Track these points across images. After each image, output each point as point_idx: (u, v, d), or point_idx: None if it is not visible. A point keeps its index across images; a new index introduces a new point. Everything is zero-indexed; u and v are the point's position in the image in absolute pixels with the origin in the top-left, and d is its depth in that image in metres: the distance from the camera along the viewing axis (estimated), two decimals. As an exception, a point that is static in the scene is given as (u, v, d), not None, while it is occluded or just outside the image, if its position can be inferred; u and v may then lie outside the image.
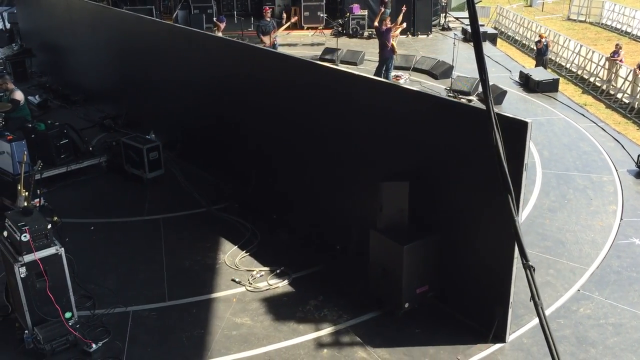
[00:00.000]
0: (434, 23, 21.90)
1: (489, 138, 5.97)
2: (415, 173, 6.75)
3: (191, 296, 7.32)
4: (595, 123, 13.12)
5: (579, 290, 7.27)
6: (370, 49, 18.44)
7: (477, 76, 14.13)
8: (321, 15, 20.56)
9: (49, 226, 6.36)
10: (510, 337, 6.46)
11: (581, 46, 20.42)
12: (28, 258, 6.19)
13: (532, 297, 3.83)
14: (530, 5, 35.94)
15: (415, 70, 17.05)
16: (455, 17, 24.14)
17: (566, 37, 22.21)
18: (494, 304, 6.40)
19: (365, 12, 20.77)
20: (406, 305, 6.75)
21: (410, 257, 6.52)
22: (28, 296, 6.28)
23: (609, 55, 18.46)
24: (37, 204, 8.81)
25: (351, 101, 7.62)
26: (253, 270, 7.78)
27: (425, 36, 20.94)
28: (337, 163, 8.06)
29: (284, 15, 19.60)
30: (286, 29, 16.76)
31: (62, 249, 6.43)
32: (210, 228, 8.88)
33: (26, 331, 6.39)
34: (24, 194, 8.70)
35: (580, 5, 31.01)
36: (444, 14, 23.16)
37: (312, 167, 8.51)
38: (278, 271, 7.75)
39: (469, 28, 17.44)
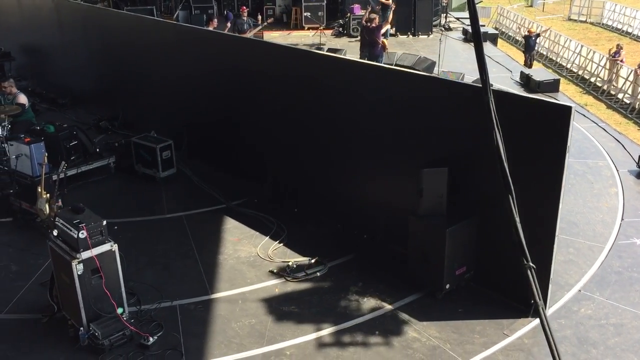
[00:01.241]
0: (434, 23, 21.95)
1: (526, 121, 6.40)
2: (452, 158, 7.07)
3: (233, 288, 7.47)
4: (596, 123, 13.36)
5: (579, 290, 7.29)
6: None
7: (463, 72, 14.76)
8: (308, 15, 20.58)
9: (104, 222, 6.43)
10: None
11: (582, 46, 20.48)
12: (85, 255, 6.25)
13: (533, 298, 3.86)
14: (531, 6, 36.14)
15: (397, 66, 17.39)
16: (456, 18, 24.19)
17: (567, 37, 22.26)
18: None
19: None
20: (447, 286, 7.07)
21: (452, 240, 6.84)
22: (84, 293, 6.33)
23: (609, 56, 18.53)
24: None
25: (377, 92, 7.90)
26: (288, 261, 7.97)
27: (426, 36, 21.01)
28: (362, 153, 8.32)
29: (259, 16, 19.77)
30: (285, 29, 16.84)
31: (116, 245, 6.52)
32: (235, 223, 9.02)
33: (81, 328, 6.43)
34: (44, 196, 8.69)
35: (581, 5, 31.10)
36: (444, 14, 23.25)
37: (336, 159, 8.74)
38: (313, 261, 7.97)
39: (469, 28, 17.57)
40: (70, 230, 6.29)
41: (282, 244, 8.42)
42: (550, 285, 6.75)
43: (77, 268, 6.23)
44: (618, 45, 18.93)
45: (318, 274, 7.74)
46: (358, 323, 6.81)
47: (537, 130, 6.28)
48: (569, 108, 5.95)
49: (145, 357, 6.31)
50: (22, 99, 10.57)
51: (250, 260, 8.06)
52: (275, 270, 7.79)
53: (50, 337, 6.64)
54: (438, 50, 15.79)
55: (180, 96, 11.30)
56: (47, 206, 8.72)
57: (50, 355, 6.37)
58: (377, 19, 14.83)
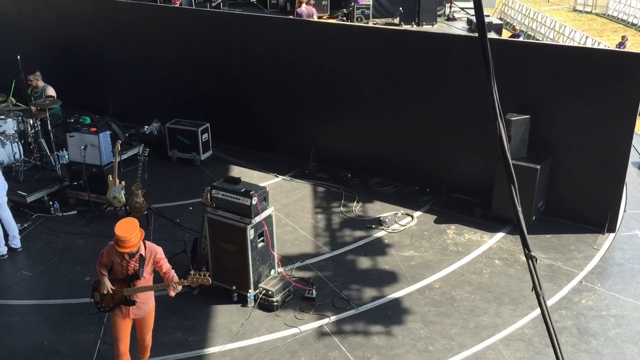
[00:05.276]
0: (439, 13, 21.79)
1: (598, 76, 7.75)
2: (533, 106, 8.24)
3: (347, 245, 8.14)
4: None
5: (581, 281, 7.34)
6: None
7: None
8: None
9: (267, 188, 6.85)
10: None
11: (587, 37, 20.63)
12: (256, 220, 6.66)
13: (534, 287, 3.94)
14: None
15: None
16: (460, 7, 23.89)
17: (572, 28, 22.32)
18: (604, 204, 8.18)
19: (370, 2, 20.25)
20: (533, 218, 8.30)
21: (540, 177, 8.06)
22: (253, 256, 6.74)
23: (614, 47, 18.50)
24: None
25: (438, 57, 8.91)
26: (379, 217, 8.75)
27: (430, 26, 20.60)
28: (421, 113, 9.29)
29: None
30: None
31: (273, 209, 6.96)
32: (302, 193, 9.58)
33: (250, 290, 6.82)
34: (119, 184, 8.74)
35: (586, -4, 30.83)
36: (449, 4, 23.11)
37: (390, 122, 9.60)
38: (399, 214, 8.83)
39: (474, 18, 17.11)
40: (239, 199, 6.65)
41: (360, 204, 9.17)
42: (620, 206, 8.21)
43: (250, 233, 6.62)
44: (623, 36, 19.24)
45: (411, 224, 8.62)
46: (476, 256, 7.84)
47: (613, 77, 7.64)
48: (643, 55, 7.40)
49: (316, 307, 6.87)
50: (51, 90, 10.23)
51: (343, 221, 8.74)
52: (373, 225, 8.55)
53: (211, 304, 6.95)
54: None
55: (186, 81, 11.37)
56: (122, 193, 8.76)
57: (229, 317, 6.71)
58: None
